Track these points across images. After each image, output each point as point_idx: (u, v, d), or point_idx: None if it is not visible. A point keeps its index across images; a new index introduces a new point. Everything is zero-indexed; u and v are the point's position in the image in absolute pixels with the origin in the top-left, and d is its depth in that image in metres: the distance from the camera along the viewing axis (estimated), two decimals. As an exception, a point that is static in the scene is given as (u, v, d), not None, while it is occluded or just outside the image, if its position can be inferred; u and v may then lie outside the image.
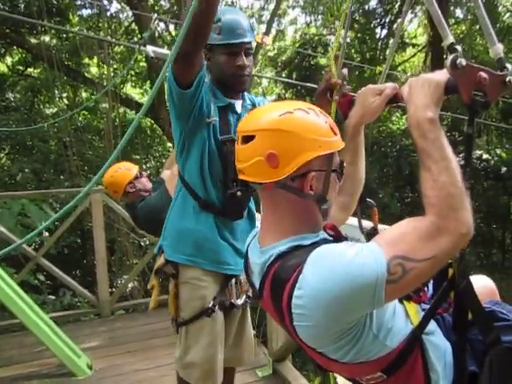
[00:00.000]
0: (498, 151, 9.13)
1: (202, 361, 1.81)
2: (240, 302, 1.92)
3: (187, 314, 1.81)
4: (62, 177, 7.79)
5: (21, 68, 9.81)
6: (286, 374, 2.87)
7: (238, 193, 1.75)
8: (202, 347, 1.81)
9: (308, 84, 6.83)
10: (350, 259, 0.88)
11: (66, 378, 2.99)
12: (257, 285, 1.09)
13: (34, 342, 3.13)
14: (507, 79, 0.98)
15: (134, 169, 2.96)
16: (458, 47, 0.96)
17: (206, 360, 1.81)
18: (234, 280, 1.90)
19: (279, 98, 11.04)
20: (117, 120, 7.77)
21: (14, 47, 9.09)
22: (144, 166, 8.22)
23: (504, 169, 8.70)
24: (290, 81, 9.07)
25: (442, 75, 1.01)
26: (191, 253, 1.78)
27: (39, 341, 2.96)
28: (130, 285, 5.98)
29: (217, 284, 1.84)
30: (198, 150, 1.73)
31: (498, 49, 1.00)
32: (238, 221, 1.87)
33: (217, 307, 1.82)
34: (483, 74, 0.96)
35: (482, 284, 1.36)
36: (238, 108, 1.82)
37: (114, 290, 5.55)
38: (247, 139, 1.02)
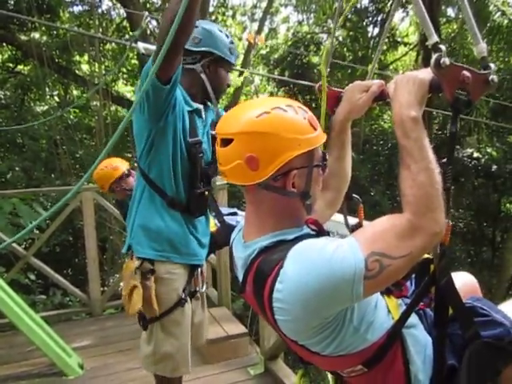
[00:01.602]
0: (489, 150, 9.21)
1: (177, 350, 1.89)
2: (203, 289, 2.06)
3: (162, 308, 1.86)
4: (52, 175, 7.73)
5: (10, 65, 9.71)
6: (278, 372, 2.88)
7: (206, 192, 1.90)
8: (175, 338, 1.88)
9: (300, 82, 6.85)
10: (329, 254, 0.90)
11: (57, 377, 2.98)
12: (240, 279, 1.09)
13: (24, 341, 3.11)
14: (490, 78, 0.99)
15: (121, 167, 2.97)
16: (442, 46, 0.97)
17: (180, 349, 1.89)
18: (199, 269, 2.02)
19: (271, 96, 11.03)
20: (108, 118, 7.73)
21: (4, 44, 8.98)
22: (135, 164, 8.15)
23: (494, 167, 8.78)
24: (282, 78, 9.08)
25: (426, 74, 1.02)
26: (164, 249, 1.86)
27: (29, 340, 2.95)
28: (121, 283, 5.94)
29: (185, 275, 1.94)
30: (168, 151, 1.78)
31: (482, 47, 1.01)
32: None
33: (187, 297, 1.93)
34: (466, 73, 0.98)
35: (464, 281, 1.38)
36: (203, 113, 1.94)
37: (105, 288, 5.52)
38: (226, 142, 1.01)
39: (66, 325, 4.00)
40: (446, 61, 0.97)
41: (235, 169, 1.00)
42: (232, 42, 1.88)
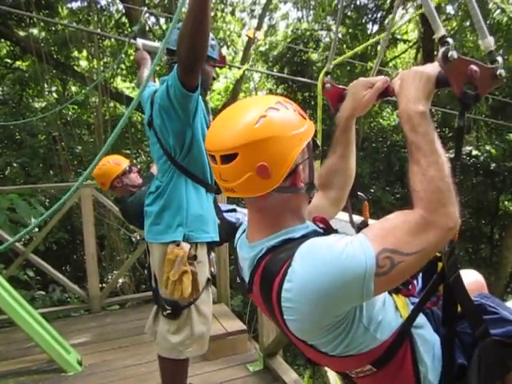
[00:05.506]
0: (488, 147, 9.20)
1: (208, 328, 2.06)
2: (214, 269, 2.20)
3: (198, 292, 1.98)
4: (51, 171, 7.71)
5: (9, 61, 9.64)
6: (277, 368, 2.88)
7: None
8: (205, 316, 2.04)
9: (299, 79, 6.83)
10: (339, 251, 0.88)
11: (56, 373, 2.98)
12: (246, 279, 1.08)
13: (23, 337, 3.11)
14: (498, 72, 0.97)
15: (123, 163, 2.93)
16: (450, 40, 0.95)
17: (209, 326, 2.07)
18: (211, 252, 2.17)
19: (271, 93, 11.01)
20: (107, 114, 7.70)
21: (2, 40, 8.93)
22: (135, 161, 8.15)
23: (493, 165, 8.77)
24: (281, 75, 9.05)
25: (433, 68, 1.01)
26: (210, 230, 2.04)
27: (28, 337, 2.95)
28: (120, 280, 5.95)
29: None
30: (199, 141, 1.97)
31: (489, 42, 0.99)
32: None
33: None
34: (474, 67, 0.95)
35: (472, 278, 1.38)
36: None
37: (104, 285, 5.52)
38: (228, 158, 0.95)
39: (64, 321, 4.01)
40: (454, 54, 0.94)
41: (247, 182, 0.96)
42: (213, 39, 2.03)
